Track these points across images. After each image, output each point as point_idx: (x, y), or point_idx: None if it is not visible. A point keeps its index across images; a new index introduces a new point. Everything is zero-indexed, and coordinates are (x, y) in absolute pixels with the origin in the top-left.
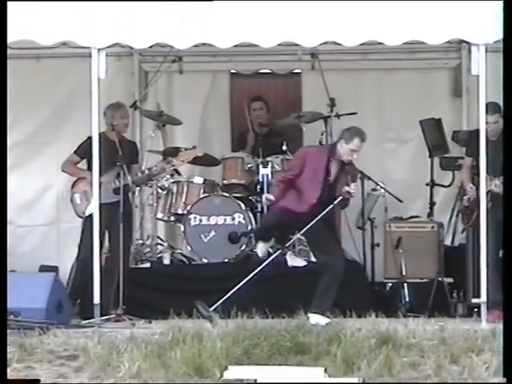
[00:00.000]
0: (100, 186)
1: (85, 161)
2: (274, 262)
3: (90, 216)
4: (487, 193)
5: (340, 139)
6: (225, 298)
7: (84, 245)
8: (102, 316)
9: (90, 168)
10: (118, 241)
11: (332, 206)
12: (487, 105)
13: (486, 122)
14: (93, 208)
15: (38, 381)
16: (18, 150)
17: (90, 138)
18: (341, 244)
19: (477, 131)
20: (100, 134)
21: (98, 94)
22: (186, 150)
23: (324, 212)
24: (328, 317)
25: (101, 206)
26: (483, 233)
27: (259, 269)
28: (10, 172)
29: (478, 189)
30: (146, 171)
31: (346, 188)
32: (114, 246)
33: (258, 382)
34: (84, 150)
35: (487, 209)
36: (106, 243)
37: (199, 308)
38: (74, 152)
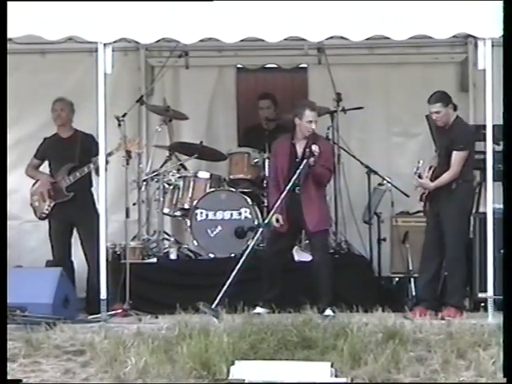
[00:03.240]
0: (55, 186)
1: (47, 162)
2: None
3: (47, 216)
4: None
5: (294, 118)
6: (220, 295)
7: (54, 243)
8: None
9: (50, 168)
10: (87, 235)
11: (298, 171)
12: (432, 94)
13: (430, 112)
14: (100, 204)
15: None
16: (24, 145)
17: (45, 139)
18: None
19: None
20: (53, 136)
21: (105, 89)
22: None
23: (293, 179)
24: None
25: (58, 205)
26: (489, 228)
27: (239, 264)
28: (16, 167)
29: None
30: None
31: (308, 148)
32: (85, 241)
33: (260, 381)
34: (42, 152)
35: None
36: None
37: (203, 310)
38: (34, 156)
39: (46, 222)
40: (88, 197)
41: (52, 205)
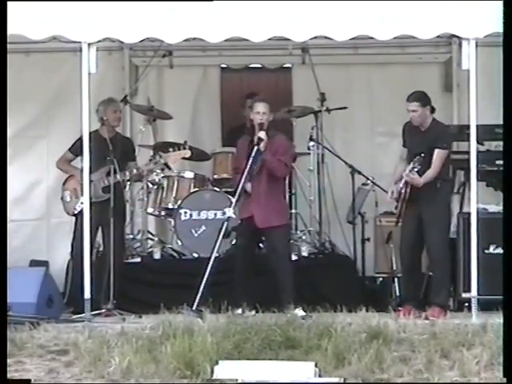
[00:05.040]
0: (90, 184)
1: (79, 158)
2: (264, 256)
3: (80, 213)
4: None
5: (249, 111)
6: (198, 296)
7: (76, 242)
8: (93, 310)
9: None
10: (111, 237)
11: (251, 159)
12: (412, 93)
13: (407, 109)
14: (83, 205)
15: (29, 381)
16: (8, 144)
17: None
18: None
19: (408, 122)
20: (92, 132)
21: (89, 89)
22: (174, 150)
23: (247, 169)
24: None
25: (91, 203)
26: (473, 228)
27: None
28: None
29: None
30: (134, 171)
31: (257, 135)
32: (107, 243)
33: (243, 381)
34: (77, 147)
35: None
36: (99, 240)
37: (186, 314)
38: (69, 149)
39: (31, 222)
40: (120, 200)
41: None
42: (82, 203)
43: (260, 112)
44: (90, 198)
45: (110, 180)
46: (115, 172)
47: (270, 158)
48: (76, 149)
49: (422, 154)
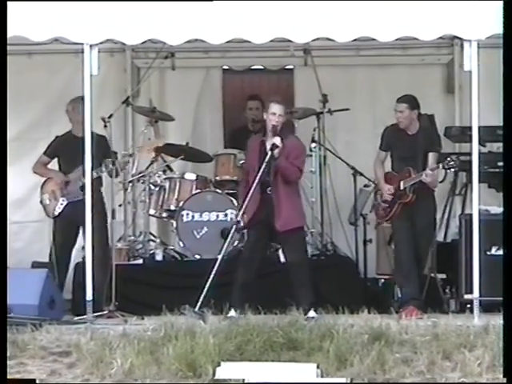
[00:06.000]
0: (68, 185)
1: (55, 160)
2: (266, 258)
3: (60, 215)
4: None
5: (264, 113)
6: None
7: (57, 243)
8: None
9: (60, 167)
10: (95, 236)
11: (264, 165)
12: (402, 96)
13: (394, 110)
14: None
15: (34, 380)
16: (10, 146)
17: (57, 138)
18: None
19: (391, 126)
20: (65, 133)
21: (91, 90)
22: (149, 139)
23: (260, 173)
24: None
25: (70, 204)
26: (475, 229)
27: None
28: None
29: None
30: (110, 166)
31: (272, 141)
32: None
33: (246, 381)
34: (53, 150)
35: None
36: (80, 240)
37: (188, 314)
38: (44, 153)
39: (33, 224)
40: (99, 197)
41: (65, 204)
42: (61, 204)
43: (276, 114)
44: (69, 199)
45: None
46: (92, 169)
47: (284, 163)
48: (51, 151)
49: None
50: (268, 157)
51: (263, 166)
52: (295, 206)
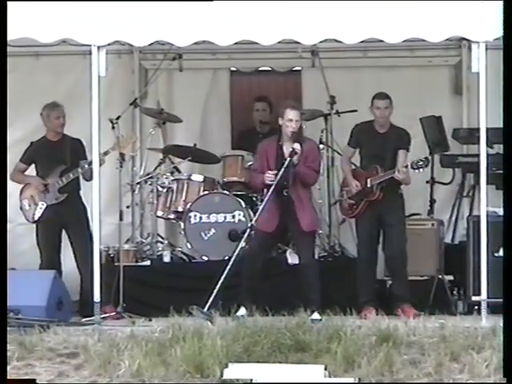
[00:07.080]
0: (47, 188)
1: (33, 166)
2: (274, 259)
3: (39, 219)
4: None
5: (278, 118)
6: (211, 298)
7: (42, 247)
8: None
9: (37, 173)
10: (77, 237)
11: (282, 170)
12: (379, 92)
13: (377, 107)
14: (93, 207)
15: (34, 380)
16: (17, 148)
17: (32, 144)
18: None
19: (362, 124)
20: (40, 138)
21: (98, 92)
22: (122, 136)
23: (277, 178)
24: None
25: (50, 207)
26: (483, 231)
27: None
28: (9, 170)
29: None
30: (86, 166)
31: (291, 147)
32: (76, 243)
33: (253, 381)
34: (29, 156)
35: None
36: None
37: (196, 314)
38: (20, 160)
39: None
40: (78, 199)
41: (44, 207)
42: (40, 208)
43: (293, 120)
44: (48, 203)
45: (63, 180)
46: (67, 171)
47: (303, 169)
48: (28, 158)
49: (428, 156)
50: (287, 162)
51: (281, 171)
52: (314, 208)
